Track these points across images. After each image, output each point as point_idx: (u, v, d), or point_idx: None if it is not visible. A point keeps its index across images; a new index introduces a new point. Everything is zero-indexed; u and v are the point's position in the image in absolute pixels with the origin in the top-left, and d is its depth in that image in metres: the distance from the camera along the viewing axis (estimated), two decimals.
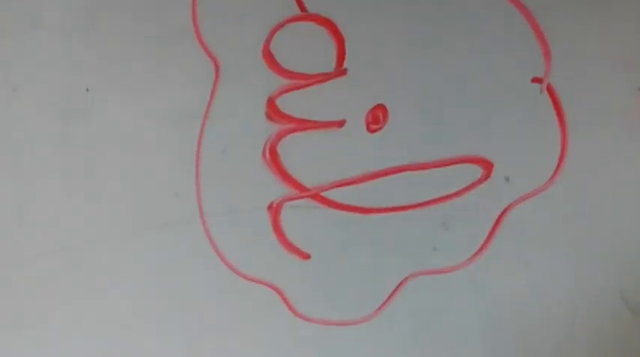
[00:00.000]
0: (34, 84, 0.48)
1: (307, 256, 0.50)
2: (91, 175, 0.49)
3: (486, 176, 0.49)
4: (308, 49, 0.48)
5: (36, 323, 0.50)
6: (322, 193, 0.49)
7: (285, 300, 0.50)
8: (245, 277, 0.50)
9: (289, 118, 0.49)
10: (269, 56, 0.48)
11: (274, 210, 0.49)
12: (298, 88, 0.48)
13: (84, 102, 0.48)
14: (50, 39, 0.48)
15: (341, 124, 0.49)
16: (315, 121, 0.49)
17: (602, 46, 0.49)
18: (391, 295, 0.50)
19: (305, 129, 0.49)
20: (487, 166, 0.49)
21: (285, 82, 0.48)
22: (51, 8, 0.48)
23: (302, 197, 0.49)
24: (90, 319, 0.50)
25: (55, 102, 0.48)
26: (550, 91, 0.49)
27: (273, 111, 0.49)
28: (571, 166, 0.49)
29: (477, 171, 0.49)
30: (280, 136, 0.49)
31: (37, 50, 0.48)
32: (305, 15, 0.48)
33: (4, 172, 0.49)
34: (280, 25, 0.48)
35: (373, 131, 0.49)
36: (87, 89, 0.48)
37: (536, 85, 0.49)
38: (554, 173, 0.50)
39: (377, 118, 0.49)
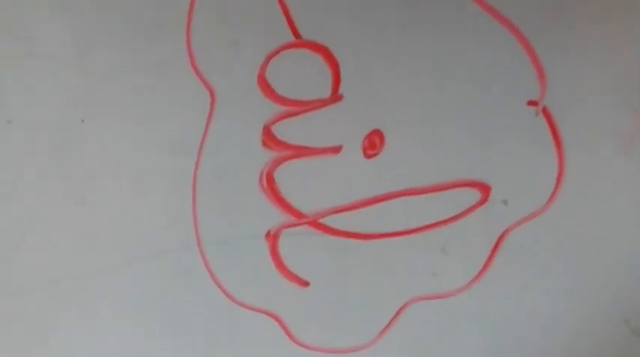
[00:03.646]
0: (29, 115, 0.48)
1: (306, 284, 0.50)
2: (86, 204, 0.48)
3: (484, 200, 0.49)
4: (303, 76, 0.48)
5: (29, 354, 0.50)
6: (320, 220, 0.49)
7: (284, 328, 0.50)
8: (243, 305, 0.49)
9: (285, 145, 0.48)
10: (264, 83, 0.48)
11: (272, 238, 0.49)
12: (294, 114, 0.48)
13: (79, 133, 0.48)
14: (44, 69, 0.48)
15: (337, 150, 0.49)
16: (311, 148, 0.49)
17: (596, 68, 0.49)
18: (391, 320, 0.50)
19: (301, 156, 0.49)
20: (485, 189, 0.49)
21: (281, 109, 0.48)
22: (44, 38, 0.47)
23: (300, 224, 0.49)
24: (85, 351, 0.50)
25: (50, 133, 0.48)
26: (546, 113, 0.49)
27: (269, 138, 0.48)
28: (569, 188, 0.49)
29: (475, 195, 0.49)
30: (277, 163, 0.49)
31: (30, 81, 0.48)
32: (300, 42, 0.48)
33: None
34: (275, 53, 0.48)
35: (370, 157, 0.49)
36: (82, 120, 0.48)
37: (532, 108, 0.49)
38: (552, 195, 0.49)
39: (373, 143, 0.49)
